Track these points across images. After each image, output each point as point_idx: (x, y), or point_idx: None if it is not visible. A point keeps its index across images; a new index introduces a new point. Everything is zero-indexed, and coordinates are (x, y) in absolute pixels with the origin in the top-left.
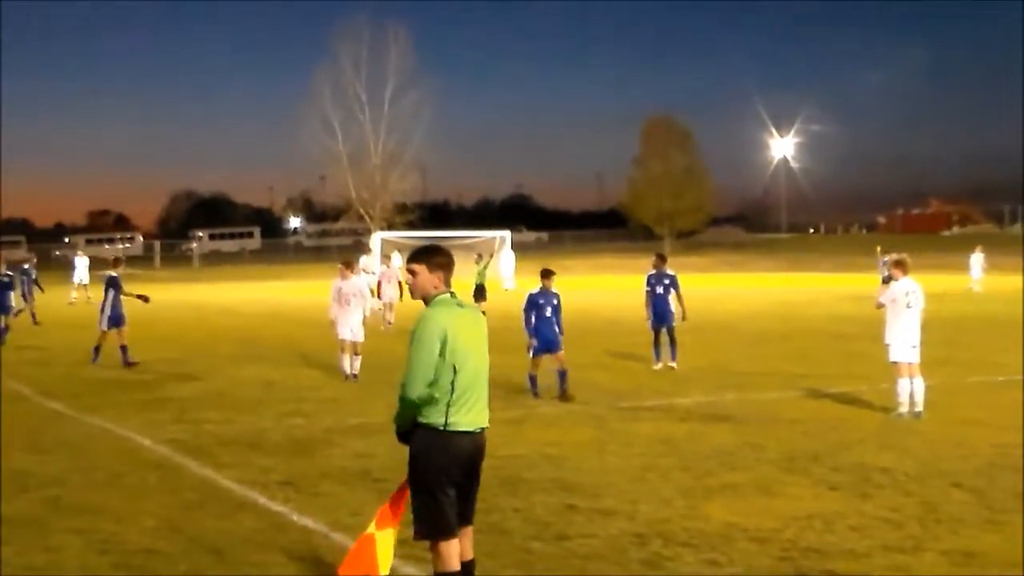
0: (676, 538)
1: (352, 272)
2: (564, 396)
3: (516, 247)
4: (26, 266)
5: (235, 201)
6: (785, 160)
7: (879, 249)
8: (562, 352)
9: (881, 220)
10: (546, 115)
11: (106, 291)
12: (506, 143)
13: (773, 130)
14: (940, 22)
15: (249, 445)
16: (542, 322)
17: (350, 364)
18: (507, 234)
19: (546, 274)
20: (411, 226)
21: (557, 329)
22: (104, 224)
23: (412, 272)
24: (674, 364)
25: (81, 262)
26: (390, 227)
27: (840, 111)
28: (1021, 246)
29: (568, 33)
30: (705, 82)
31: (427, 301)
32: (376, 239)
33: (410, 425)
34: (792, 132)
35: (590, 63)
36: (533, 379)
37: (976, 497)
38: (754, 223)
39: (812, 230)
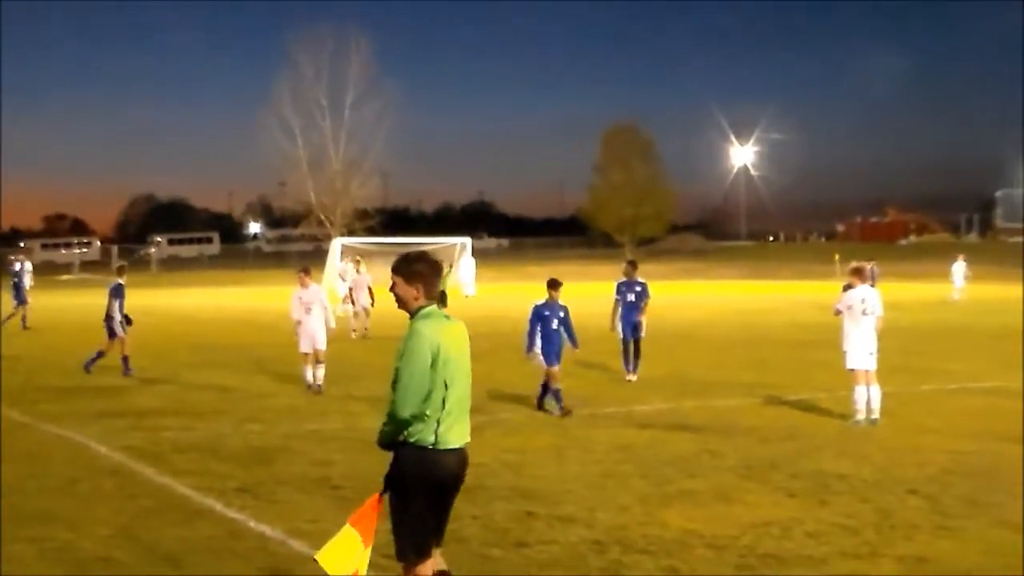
0: (635, 545)
1: (311, 279)
2: (541, 406)
3: (477, 253)
4: (16, 267)
5: (194, 206)
6: (745, 168)
7: (837, 257)
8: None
9: (840, 228)
10: (508, 122)
11: (111, 300)
12: (468, 149)
13: (733, 138)
14: (900, 33)
15: (207, 452)
16: (546, 335)
17: (312, 375)
18: (468, 240)
19: (553, 285)
20: (372, 232)
21: (560, 343)
22: (61, 228)
23: (392, 283)
24: (635, 376)
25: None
26: (351, 233)
27: (800, 120)
28: (978, 255)
29: (530, 41)
30: (666, 90)
31: (411, 313)
32: (336, 245)
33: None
34: (752, 140)
35: (553, 71)
36: (557, 394)
37: (930, 503)
38: (714, 231)
39: (772, 238)
